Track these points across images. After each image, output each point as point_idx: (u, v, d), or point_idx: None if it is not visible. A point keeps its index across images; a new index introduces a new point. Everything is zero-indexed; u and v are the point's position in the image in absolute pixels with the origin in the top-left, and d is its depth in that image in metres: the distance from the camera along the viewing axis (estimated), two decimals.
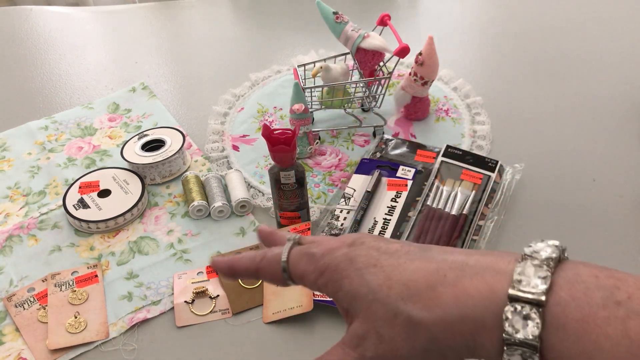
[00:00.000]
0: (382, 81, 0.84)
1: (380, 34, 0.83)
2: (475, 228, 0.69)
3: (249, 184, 0.79)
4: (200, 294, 0.65)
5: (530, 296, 0.27)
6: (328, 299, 0.63)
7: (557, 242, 0.30)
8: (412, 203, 0.72)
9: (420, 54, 0.82)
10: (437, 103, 0.92)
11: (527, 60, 1.02)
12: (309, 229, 0.68)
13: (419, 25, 1.14)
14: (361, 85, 0.87)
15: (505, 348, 0.28)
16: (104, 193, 0.77)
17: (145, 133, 0.84)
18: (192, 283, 0.67)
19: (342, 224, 0.71)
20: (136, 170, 0.79)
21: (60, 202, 0.76)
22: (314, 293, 0.63)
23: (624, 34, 1.07)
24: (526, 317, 0.27)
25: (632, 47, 1.03)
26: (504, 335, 0.28)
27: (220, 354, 0.60)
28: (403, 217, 0.71)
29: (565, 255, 0.31)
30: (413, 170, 0.76)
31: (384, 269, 0.32)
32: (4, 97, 0.99)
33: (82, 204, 0.75)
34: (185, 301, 0.65)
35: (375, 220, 0.71)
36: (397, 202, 0.72)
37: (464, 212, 0.70)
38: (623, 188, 0.76)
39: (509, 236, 0.70)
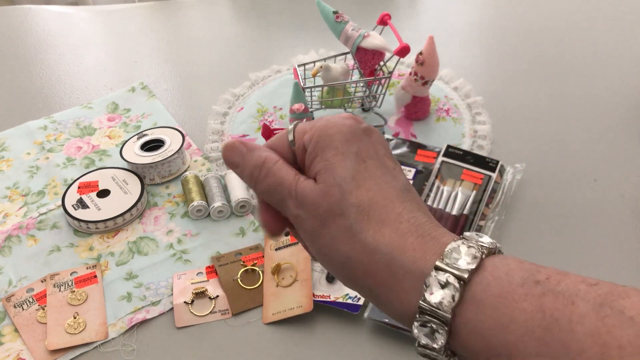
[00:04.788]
0: (383, 81, 0.84)
1: (380, 34, 0.83)
2: (475, 228, 0.69)
3: None
4: (200, 294, 0.65)
5: (454, 271, 0.28)
6: (329, 299, 0.62)
7: (494, 241, 0.31)
8: None
9: (420, 53, 0.81)
10: (437, 103, 0.91)
11: (528, 60, 1.01)
12: None
13: (420, 24, 1.14)
14: (361, 85, 0.87)
15: (417, 315, 0.29)
16: (103, 193, 0.76)
17: (144, 133, 0.83)
18: (192, 283, 0.66)
19: None
20: (135, 170, 0.79)
21: (59, 202, 0.76)
22: (314, 294, 0.63)
23: (624, 33, 1.07)
24: (445, 288, 0.28)
25: (633, 47, 1.03)
26: (420, 301, 0.28)
27: (220, 355, 0.60)
28: None
29: (501, 253, 0.31)
30: (413, 170, 0.76)
31: (367, 171, 0.32)
32: (3, 97, 0.98)
33: (81, 204, 0.75)
34: (184, 302, 0.64)
35: None
36: None
37: (465, 213, 0.70)
38: (624, 188, 0.76)
39: (509, 236, 0.70)
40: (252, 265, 0.68)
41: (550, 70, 0.99)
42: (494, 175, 0.74)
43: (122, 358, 0.60)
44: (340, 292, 0.63)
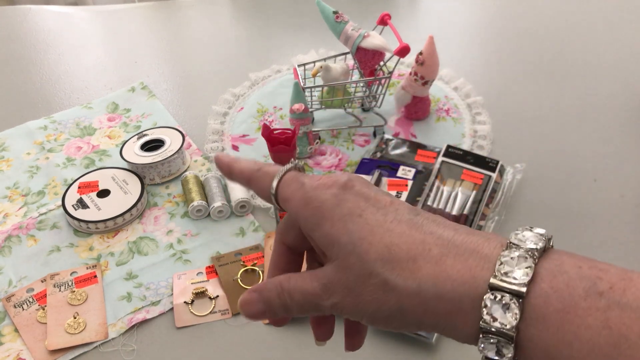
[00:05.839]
0: (383, 81, 0.84)
1: (380, 34, 0.83)
2: (475, 228, 0.69)
3: None
4: (200, 294, 0.65)
5: (511, 287, 0.27)
6: None
7: (543, 231, 0.30)
8: (413, 203, 0.72)
9: (420, 53, 0.81)
10: (437, 103, 0.91)
11: (528, 60, 1.01)
12: None
13: (420, 24, 1.14)
14: (361, 85, 0.87)
15: (480, 336, 0.28)
16: (103, 193, 0.76)
17: (144, 133, 0.83)
18: (192, 283, 0.66)
19: None
20: (135, 170, 0.79)
21: (59, 202, 0.76)
22: None
23: (625, 34, 1.07)
24: (505, 307, 0.27)
25: (634, 47, 1.03)
26: (480, 323, 0.28)
27: (220, 355, 0.60)
28: None
29: (551, 244, 0.30)
30: (413, 170, 0.76)
31: (368, 222, 0.31)
32: (3, 97, 0.98)
33: (81, 204, 0.75)
34: (184, 302, 0.64)
35: None
36: None
37: (465, 213, 0.70)
38: (624, 188, 0.76)
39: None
40: (252, 265, 0.68)
41: (551, 70, 0.99)
42: (494, 175, 0.74)
43: (122, 358, 0.60)
44: None
